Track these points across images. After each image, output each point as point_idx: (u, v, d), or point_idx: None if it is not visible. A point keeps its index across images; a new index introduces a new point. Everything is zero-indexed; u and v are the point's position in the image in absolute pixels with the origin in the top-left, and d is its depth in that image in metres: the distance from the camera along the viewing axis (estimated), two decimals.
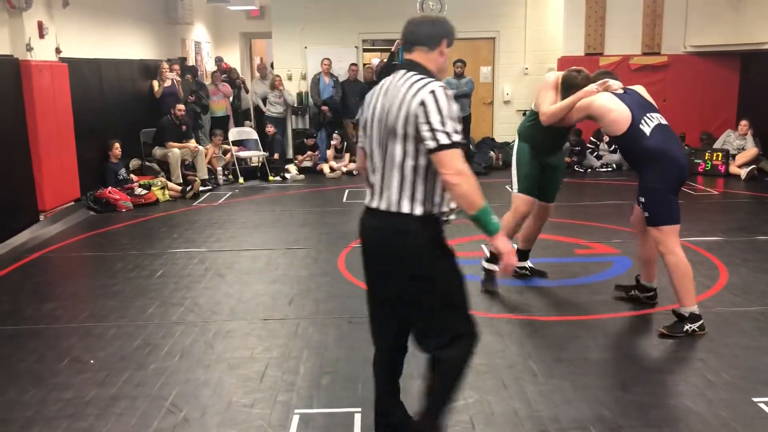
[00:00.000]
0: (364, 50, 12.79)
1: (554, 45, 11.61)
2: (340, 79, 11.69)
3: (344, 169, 10.81)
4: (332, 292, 5.14)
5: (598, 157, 10.76)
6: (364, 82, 11.70)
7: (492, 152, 11.36)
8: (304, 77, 12.18)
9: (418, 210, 2.48)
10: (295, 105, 11.97)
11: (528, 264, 5.30)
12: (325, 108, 11.43)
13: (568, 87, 4.52)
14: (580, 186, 9.74)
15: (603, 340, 4.20)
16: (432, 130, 2.35)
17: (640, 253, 4.61)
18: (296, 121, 12.13)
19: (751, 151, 10.05)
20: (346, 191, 9.42)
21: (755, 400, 3.37)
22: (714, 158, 10.14)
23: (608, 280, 5.23)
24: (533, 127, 4.76)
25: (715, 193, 8.93)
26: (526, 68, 12.27)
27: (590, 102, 4.28)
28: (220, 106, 11.61)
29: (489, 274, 4.99)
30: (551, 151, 4.88)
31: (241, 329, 4.44)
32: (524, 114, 11.39)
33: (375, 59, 13.71)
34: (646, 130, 4.06)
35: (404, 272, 2.55)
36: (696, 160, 10.16)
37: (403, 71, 2.55)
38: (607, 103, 4.20)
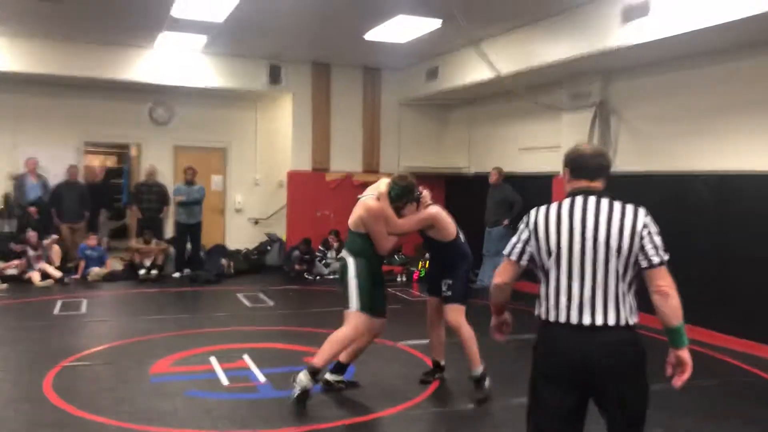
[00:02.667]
0: (87, 152, 12.06)
1: (284, 158, 12.13)
2: (59, 180, 10.78)
3: (58, 275, 9.82)
4: (34, 421, 4.48)
5: (326, 265, 11.22)
6: (85, 183, 10.97)
7: (223, 260, 11.26)
8: (14, 178, 11.01)
9: (635, 320, 2.73)
10: (1, 207, 10.71)
11: (343, 378, 5.22)
12: (32, 209, 10.46)
13: (404, 194, 4.88)
14: (310, 293, 10.01)
15: None
16: (656, 248, 2.68)
17: (434, 340, 5.45)
18: (2, 224, 10.82)
19: None
20: (59, 302, 8.50)
21: None
22: (426, 266, 11.20)
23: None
24: (366, 241, 4.88)
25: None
26: (257, 178, 12.60)
27: (435, 214, 5.03)
28: None
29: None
30: (381, 261, 5.07)
31: None
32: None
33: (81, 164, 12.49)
34: (461, 235, 5.22)
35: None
36: (411, 268, 11.15)
37: (592, 196, 2.77)
38: (443, 213, 5.10)
